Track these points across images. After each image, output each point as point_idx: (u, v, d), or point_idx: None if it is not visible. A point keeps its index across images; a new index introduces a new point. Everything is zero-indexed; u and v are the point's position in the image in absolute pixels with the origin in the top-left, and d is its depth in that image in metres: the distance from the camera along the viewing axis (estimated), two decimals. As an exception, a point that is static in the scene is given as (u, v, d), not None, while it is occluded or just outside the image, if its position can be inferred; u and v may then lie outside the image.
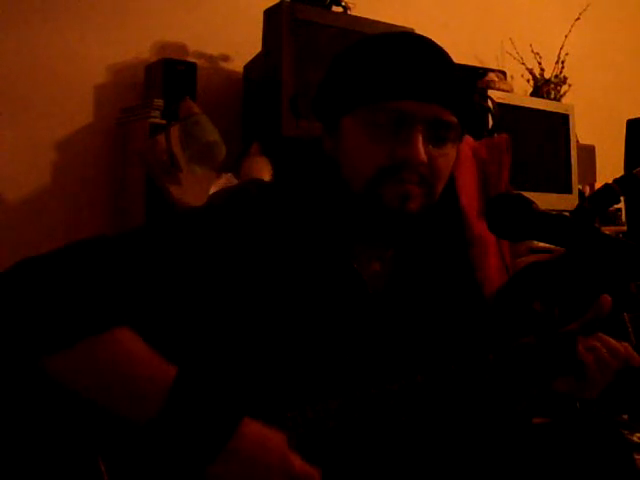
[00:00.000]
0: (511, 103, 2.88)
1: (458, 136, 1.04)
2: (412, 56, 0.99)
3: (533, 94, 3.32)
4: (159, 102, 2.35)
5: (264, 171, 2.29)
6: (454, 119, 1.01)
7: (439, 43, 1.05)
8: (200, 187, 2.21)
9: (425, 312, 1.07)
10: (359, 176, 1.01)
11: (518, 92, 3.29)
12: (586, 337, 1.02)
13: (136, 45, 2.53)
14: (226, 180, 2.31)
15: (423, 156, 0.98)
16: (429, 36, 1.05)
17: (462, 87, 1.02)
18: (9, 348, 0.87)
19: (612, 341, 1.03)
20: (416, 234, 1.10)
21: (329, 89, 1.05)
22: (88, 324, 0.86)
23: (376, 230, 1.06)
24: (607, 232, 1.04)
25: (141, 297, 0.91)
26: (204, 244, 0.96)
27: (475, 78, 2.97)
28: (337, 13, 2.57)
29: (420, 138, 0.98)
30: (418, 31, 1.18)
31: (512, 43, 3.29)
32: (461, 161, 2.36)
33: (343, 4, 2.60)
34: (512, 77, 3.31)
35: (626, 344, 1.04)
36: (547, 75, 3.33)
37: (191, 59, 2.53)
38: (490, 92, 2.77)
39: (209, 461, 0.84)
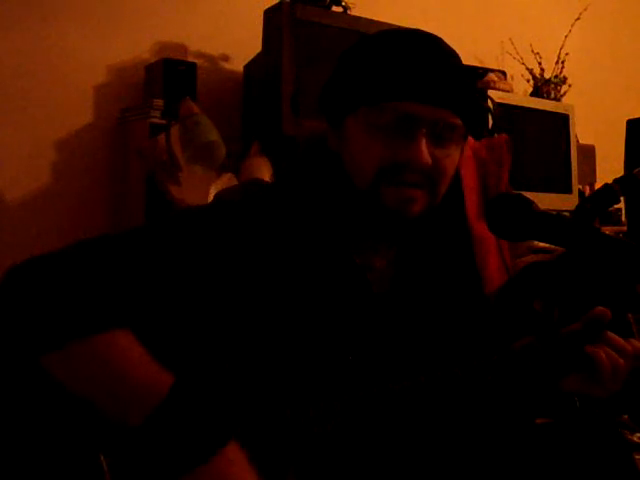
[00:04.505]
0: (511, 103, 2.87)
1: (462, 137, 1.03)
2: (418, 56, 0.97)
3: (533, 94, 3.32)
4: (159, 102, 2.35)
5: (264, 171, 2.29)
6: (459, 121, 0.99)
7: (439, 43, 1.03)
8: (200, 187, 2.21)
9: (429, 312, 1.07)
10: (362, 175, 1.00)
11: (518, 92, 3.29)
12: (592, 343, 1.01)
13: (136, 45, 2.53)
14: (226, 180, 2.31)
15: (427, 158, 0.97)
16: (429, 36, 1.04)
17: (468, 89, 1.01)
18: (11, 344, 0.87)
19: (619, 340, 1.01)
20: (419, 234, 1.09)
21: (335, 87, 1.04)
22: (87, 323, 0.85)
23: (378, 230, 1.06)
24: (607, 232, 1.04)
25: (144, 296, 0.90)
26: (206, 244, 0.95)
27: (475, 78, 2.97)
28: (337, 13, 2.57)
29: (424, 140, 0.96)
30: (418, 31, 1.17)
31: (512, 43, 3.29)
32: (461, 161, 2.35)
33: (343, 4, 2.60)
34: (512, 77, 3.31)
35: (634, 340, 1.03)
36: (547, 75, 3.33)
37: (191, 59, 2.53)
38: (490, 92, 2.76)
39: (185, 471, 0.81)
